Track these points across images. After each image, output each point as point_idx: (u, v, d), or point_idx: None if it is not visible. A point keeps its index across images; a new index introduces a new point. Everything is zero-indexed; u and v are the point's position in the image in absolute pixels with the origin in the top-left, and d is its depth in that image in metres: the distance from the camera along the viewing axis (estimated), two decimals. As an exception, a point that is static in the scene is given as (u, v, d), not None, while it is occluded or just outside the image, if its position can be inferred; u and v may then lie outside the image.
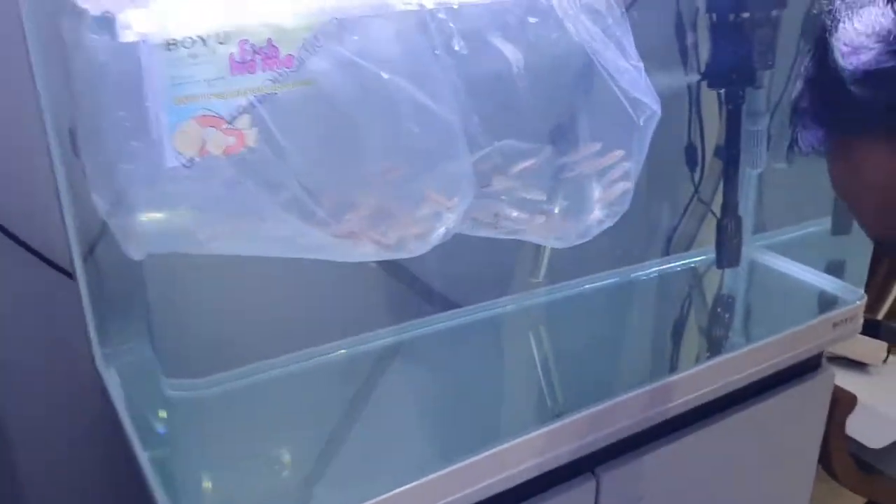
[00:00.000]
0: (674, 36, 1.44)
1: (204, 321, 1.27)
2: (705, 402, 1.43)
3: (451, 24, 0.87)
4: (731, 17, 1.33)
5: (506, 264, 1.51)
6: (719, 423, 1.45)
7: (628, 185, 1.11)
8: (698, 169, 1.65)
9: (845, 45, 0.69)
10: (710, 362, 1.44)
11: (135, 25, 0.72)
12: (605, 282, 1.68)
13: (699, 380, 1.42)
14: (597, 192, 1.13)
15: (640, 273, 1.72)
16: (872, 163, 0.69)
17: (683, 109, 1.59)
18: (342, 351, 1.45)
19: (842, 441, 1.93)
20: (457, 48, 0.88)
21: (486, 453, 1.19)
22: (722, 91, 1.41)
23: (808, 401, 1.59)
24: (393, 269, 1.45)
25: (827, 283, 1.66)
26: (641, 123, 1.06)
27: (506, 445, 1.21)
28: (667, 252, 1.75)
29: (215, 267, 1.00)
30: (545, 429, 1.25)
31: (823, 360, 1.60)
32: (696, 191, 1.68)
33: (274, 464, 1.29)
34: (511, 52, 0.91)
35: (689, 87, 1.52)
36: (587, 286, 1.65)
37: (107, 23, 0.72)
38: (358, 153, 0.88)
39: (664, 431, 1.41)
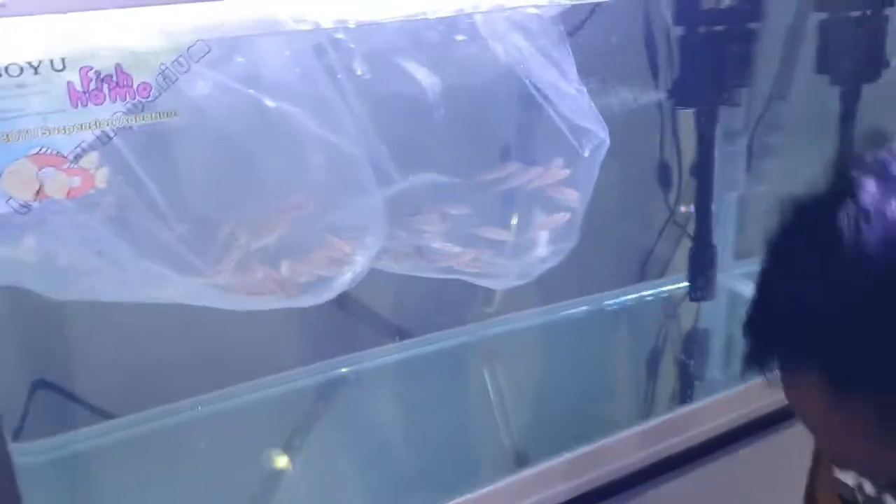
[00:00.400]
0: (642, 50, 1.33)
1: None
2: (677, 451, 1.31)
3: (352, 45, 0.75)
4: (701, 29, 1.21)
5: (459, 291, 1.40)
6: (690, 474, 1.33)
7: (571, 217, 1.00)
8: (673, 189, 1.53)
9: None
10: (685, 408, 1.33)
11: (-40, 48, 0.61)
12: (571, 311, 1.57)
13: (671, 427, 1.30)
14: (538, 223, 1.02)
15: (611, 301, 1.61)
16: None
17: (656, 127, 1.47)
18: (281, 386, 1.34)
19: (830, 484, 1.80)
20: (359, 72, 0.76)
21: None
22: (692, 110, 1.30)
23: (791, 447, 1.47)
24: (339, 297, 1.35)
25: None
26: (587, 154, 0.95)
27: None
28: (640, 278, 1.64)
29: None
30: (505, 481, 1.14)
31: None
32: (672, 213, 1.57)
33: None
34: (425, 76, 0.80)
35: (660, 103, 1.41)
36: (551, 316, 1.53)
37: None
38: (242, 191, 0.77)
39: (635, 482, 1.28)
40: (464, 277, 1.01)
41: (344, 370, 1.40)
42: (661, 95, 1.36)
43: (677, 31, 1.23)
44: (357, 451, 1.36)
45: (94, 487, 1.22)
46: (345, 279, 0.83)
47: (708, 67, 1.22)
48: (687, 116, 1.42)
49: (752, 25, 1.23)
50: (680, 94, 1.28)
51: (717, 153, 1.33)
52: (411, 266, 0.97)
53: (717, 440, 1.34)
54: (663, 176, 1.50)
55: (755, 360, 0.65)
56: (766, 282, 0.64)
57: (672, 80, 1.27)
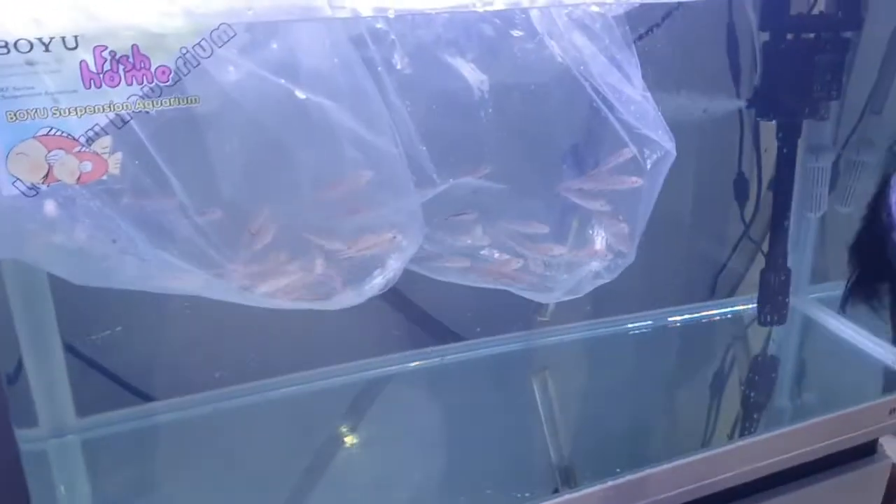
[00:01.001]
0: (723, 55, 1.24)
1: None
2: (735, 484, 1.23)
3: (393, 37, 0.70)
4: (789, 36, 1.12)
5: (514, 297, 1.35)
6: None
7: (629, 232, 0.93)
8: (749, 203, 1.44)
9: None
10: (746, 440, 1.24)
11: (-24, 21, 0.58)
12: (633, 325, 1.49)
13: (731, 459, 1.22)
14: (594, 239, 0.95)
15: (677, 318, 1.52)
16: None
17: (736, 137, 1.38)
18: (330, 380, 1.31)
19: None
20: (399, 66, 0.71)
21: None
22: (773, 122, 1.20)
23: (859, 490, 1.37)
24: (389, 295, 1.31)
25: (890, 355, 1.42)
26: (649, 167, 0.87)
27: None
28: (710, 295, 1.54)
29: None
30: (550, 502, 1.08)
31: (879, 446, 1.36)
32: (747, 228, 1.47)
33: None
34: (471, 73, 0.74)
35: (741, 112, 1.32)
36: (611, 329, 1.46)
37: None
38: (269, 185, 0.72)
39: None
40: (510, 289, 0.95)
41: (391, 369, 1.36)
42: (742, 105, 1.26)
43: (762, 38, 1.14)
44: (398, 452, 1.33)
45: (134, 466, 1.21)
46: (376, 283, 0.78)
47: (794, 77, 1.13)
48: (770, 129, 1.33)
49: (846, 34, 1.13)
50: (762, 105, 1.19)
51: (799, 169, 1.24)
52: (456, 274, 0.91)
53: (779, 477, 1.25)
54: (740, 189, 1.41)
55: (862, 287, 0.58)
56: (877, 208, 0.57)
57: (754, 88, 1.18)
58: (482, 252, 0.92)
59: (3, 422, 0.94)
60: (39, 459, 1.10)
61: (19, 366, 1.00)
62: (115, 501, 1.13)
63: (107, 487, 1.16)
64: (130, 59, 0.60)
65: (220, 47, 0.63)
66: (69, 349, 1.13)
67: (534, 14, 0.76)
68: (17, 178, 0.61)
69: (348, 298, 0.78)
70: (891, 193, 0.54)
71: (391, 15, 0.67)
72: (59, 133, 0.61)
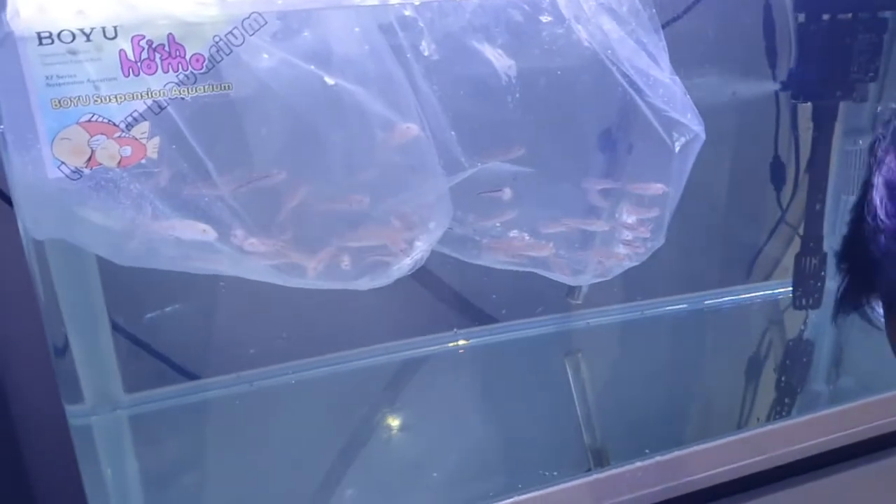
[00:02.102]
0: (759, 37, 1.23)
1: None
2: (768, 468, 1.22)
3: (421, 24, 0.72)
4: (825, 17, 1.11)
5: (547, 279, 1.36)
6: (778, 494, 1.24)
7: (658, 215, 0.94)
8: (786, 187, 1.43)
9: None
10: (780, 423, 1.24)
11: (23, 13, 0.61)
12: (668, 308, 1.49)
13: (764, 441, 1.22)
14: (622, 220, 0.96)
15: (712, 301, 1.52)
16: None
17: (772, 120, 1.37)
18: (361, 361, 1.34)
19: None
20: (427, 52, 0.73)
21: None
22: (809, 104, 1.19)
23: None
24: (423, 277, 1.33)
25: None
26: (677, 149, 0.88)
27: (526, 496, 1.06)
28: (746, 279, 1.54)
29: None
30: (583, 480, 1.10)
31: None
32: (784, 212, 1.46)
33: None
34: (498, 58, 0.75)
35: (777, 95, 1.31)
36: (646, 312, 1.46)
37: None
38: (301, 169, 0.75)
39: (719, 496, 1.21)
40: (538, 271, 0.96)
41: (425, 350, 1.38)
42: (778, 87, 1.26)
43: (798, 18, 1.13)
44: (432, 432, 1.35)
45: (177, 441, 1.25)
46: (404, 264, 0.80)
47: (830, 59, 1.12)
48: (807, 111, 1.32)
49: (884, 14, 1.12)
50: (798, 87, 1.18)
51: (835, 152, 1.23)
52: (486, 257, 0.93)
53: (813, 461, 1.25)
54: (776, 173, 1.40)
55: (851, 296, 0.58)
56: (862, 210, 0.57)
57: (789, 71, 1.17)
58: (511, 234, 0.93)
59: (53, 398, 0.98)
60: (87, 434, 1.15)
61: (66, 343, 1.04)
62: (158, 474, 1.17)
63: (151, 461, 1.20)
64: (166, 48, 0.63)
65: (252, 35, 0.65)
66: (118, 328, 1.17)
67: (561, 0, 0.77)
68: (62, 162, 0.64)
69: (376, 280, 0.80)
70: (875, 195, 0.54)
71: (417, 2, 0.68)
72: (100, 119, 0.64)
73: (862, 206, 0.56)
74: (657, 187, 0.93)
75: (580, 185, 0.91)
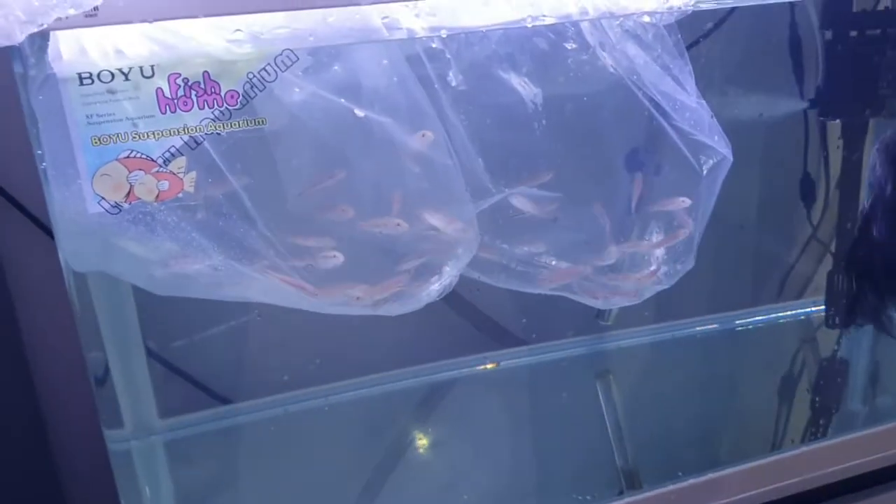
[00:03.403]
0: (786, 55, 1.23)
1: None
2: (803, 490, 1.21)
3: (448, 55, 0.73)
4: (853, 33, 1.11)
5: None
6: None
7: (688, 238, 0.94)
8: (816, 205, 1.42)
9: None
10: (816, 444, 1.23)
11: (65, 55, 0.63)
12: (699, 329, 1.49)
13: (799, 464, 1.20)
14: (651, 242, 0.97)
15: (744, 321, 1.51)
16: None
17: (801, 138, 1.37)
18: (387, 385, 1.34)
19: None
20: (454, 82, 0.74)
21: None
22: (838, 122, 1.19)
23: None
24: (451, 299, 1.34)
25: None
26: (705, 172, 0.89)
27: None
28: (777, 298, 1.53)
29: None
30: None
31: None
32: (815, 229, 1.45)
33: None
34: (524, 86, 0.76)
35: (805, 113, 1.31)
36: (676, 333, 1.46)
37: (38, 50, 0.64)
38: (332, 199, 0.76)
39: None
40: (568, 295, 0.97)
41: (456, 372, 1.39)
42: (806, 105, 1.26)
43: (826, 36, 1.14)
44: (463, 455, 1.35)
45: (210, 465, 1.27)
46: (433, 290, 0.81)
47: (858, 75, 1.12)
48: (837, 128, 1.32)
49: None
50: (826, 104, 1.18)
51: (866, 169, 1.22)
52: (515, 281, 0.94)
53: (850, 483, 1.24)
54: (806, 190, 1.40)
55: (865, 304, 0.58)
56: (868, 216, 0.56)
57: (816, 88, 1.17)
58: (540, 259, 0.94)
59: (91, 423, 1.00)
60: (125, 458, 1.17)
61: (106, 370, 1.06)
62: (194, 498, 1.19)
63: (187, 485, 1.21)
64: (202, 85, 0.65)
65: (285, 71, 0.67)
66: (152, 355, 1.19)
67: (585, 27, 0.78)
68: (102, 197, 0.66)
69: (406, 305, 0.81)
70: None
71: (444, 34, 0.70)
72: (138, 155, 0.66)
73: (868, 212, 0.56)
74: (681, 201, 0.93)
75: (608, 209, 0.91)
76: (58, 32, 0.63)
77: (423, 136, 0.76)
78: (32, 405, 1.27)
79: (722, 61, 1.15)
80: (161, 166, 0.67)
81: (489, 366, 1.39)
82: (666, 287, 0.97)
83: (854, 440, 1.23)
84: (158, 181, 0.67)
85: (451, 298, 1.32)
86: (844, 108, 1.15)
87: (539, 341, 1.40)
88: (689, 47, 0.87)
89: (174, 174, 0.67)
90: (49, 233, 1.15)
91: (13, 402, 1.21)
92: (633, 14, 0.78)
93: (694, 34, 1.06)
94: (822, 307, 1.36)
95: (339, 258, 0.76)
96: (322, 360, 1.28)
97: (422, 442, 1.35)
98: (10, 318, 1.22)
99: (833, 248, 1.31)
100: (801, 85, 1.27)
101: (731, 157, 0.90)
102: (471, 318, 1.38)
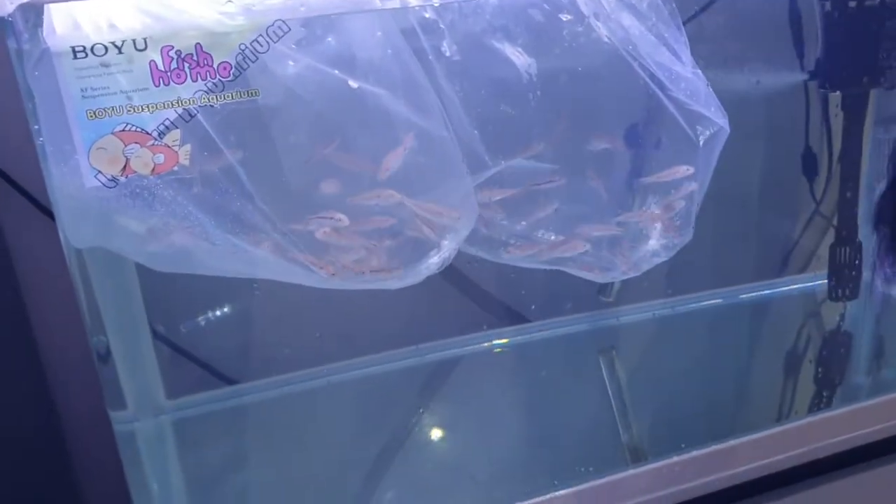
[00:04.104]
0: (786, 27, 1.23)
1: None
2: (806, 461, 1.21)
3: (441, 26, 0.73)
4: (852, 4, 1.10)
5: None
6: (819, 488, 1.23)
7: (685, 210, 0.94)
8: (819, 178, 1.42)
9: None
10: (819, 415, 1.23)
11: (58, 30, 0.64)
12: (702, 304, 1.49)
13: (803, 434, 1.21)
14: (648, 215, 0.97)
15: (747, 295, 1.51)
16: None
17: (801, 111, 1.37)
18: (391, 364, 1.35)
19: None
20: (448, 53, 0.74)
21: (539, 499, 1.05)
22: (838, 93, 1.19)
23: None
24: (453, 277, 1.34)
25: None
26: (701, 143, 0.88)
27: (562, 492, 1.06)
28: (781, 272, 1.53)
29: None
30: (619, 475, 1.10)
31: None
32: (818, 203, 1.45)
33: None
34: (519, 57, 0.76)
35: (806, 85, 1.30)
36: (680, 308, 1.46)
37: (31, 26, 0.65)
38: (327, 172, 0.77)
39: (757, 490, 1.20)
40: (567, 269, 0.97)
41: (459, 350, 1.39)
42: (806, 77, 1.25)
43: (825, 7, 1.13)
44: (467, 432, 1.36)
45: (218, 445, 1.28)
46: (432, 262, 0.81)
47: (858, 46, 1.11)
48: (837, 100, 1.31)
49: (915, -2, 1.11)
50: (825, 76, 1.17)
51: (867, 141, 1.22)
52: (511, 256, 0.94)
53: (854, 453, 1.24)
54: (808, 164, 1.39)
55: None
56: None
57: (817, 59, 1.17)
58: (538, 234, 0.94)
59: (97, 405, 1.01)
60: (130, 439, 1.18)
61: (108, 351, 1.07)
62: (201, 477, 1.20)
63: (194, 464, 1.22)
64: (195, 57, 0.65)
65: (277, 42, 0.67)
66: (158, 336, 1.20)
67: (579, -3, 0.78)
68: (99, 171, 0.67)
69: (406, 278, 0.82)
70: None
71: (436, 3, 0.70)
72: (133, 128, 0.66)
73: None
74: (682, 170, 0.93)
75: (605, 181, 0.91)
76: (50, 6, 0.63)
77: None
78: (42, 388, 1.29)
79: (720, 34, 1.15)
80: (156, 139, 0.67)
81: (494, 342, 1.40)
82: (664, 259, 0.97)
83: (858, 410, 1.23)
84: (154, 154, 0.67)
85: (452, 275, 1.33)
86: (844, 79, 1.15)
87: (541, 318, 1.41)
88: (687, 21, 0.87)
89: (169, 147, 0.68)
90: (48, 213, 1.16)
91: (22, 386, 1.22)
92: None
93: (693, 6, 1.06)
94: (826, 280, 1.36)
95: (345, 220, 0.76)
96: (323, 336, 1.29)
97: (427, 420, 1.36)
98: (17, 301, 1.24)
99: (835, 221, 1.30)
100: (801, 57, 1.26)
101: (727, 128, 0.90)
102: (470, 295, 1.38)
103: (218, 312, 1.25)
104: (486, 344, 1.41)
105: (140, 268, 0.93)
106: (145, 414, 1.20)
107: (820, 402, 1.36)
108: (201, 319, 1.23)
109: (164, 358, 1.22)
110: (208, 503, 1.18)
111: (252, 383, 1.29)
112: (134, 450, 1.11)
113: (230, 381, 1.30)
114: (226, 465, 1.24)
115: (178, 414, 1.26)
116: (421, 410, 1.36)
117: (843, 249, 1.24)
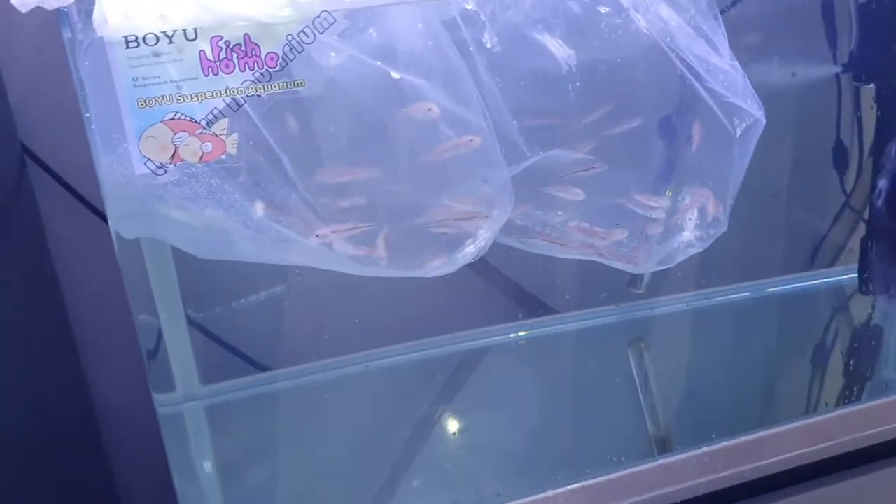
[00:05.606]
0: (819, 19, 1.22)
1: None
2: (835, 455, 1.21)
3: (483, 17, 0.74)
4: (887, -4, 1.10)
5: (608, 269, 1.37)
6: (848, 481, 1.23)
7: (721, 207, 0.95)
8: (849, 171, 1.41)
9: None
10: (848, 408, 1.22)
11: (110, 20, 0.65)
12: (731, 297, 1.49)
13: (831, 427, 1.20)
14: (685, 204, 0.97)
15: (776, 289, 1.51)
16: None
17: (833, 104, 1.36)
18: (420, 353, 1.36)
19: None
20: (489, 45, 0.75)
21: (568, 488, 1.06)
22: (871, 86, 1.18)
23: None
24: (482, 269, 1.35)
25: None
26: (738, 134, 0.89)
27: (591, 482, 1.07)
28: (810, 266, 1.53)
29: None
30: (645, 466, 1.11)
31: None
32: (848, 197, 1.44)
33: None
34: (558, 48, 0.77)
35: (838, 77, 1.30)
36: (708, 301, 1.46)
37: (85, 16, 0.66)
38: (368, 161, 0.78)
39: (785, 483, 1.20)
40: (601, 260, 0.98)
41: (488, 340, 1.40)
42: (839, 69, 1.25)
43: (859, -2, 1.13)
44: (495, 422, 1.37)
45: (248, 431, 1.29)
46: (468, 252, 0.83)
47: (892, 38, 1.11)
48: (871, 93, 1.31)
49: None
50: (859, 68, 1.17)
51: (900, 134, 1.21)
52: (546, 246, 0.95)
53: (884, 447, 1.24)
54: (839, 157, 1.39)
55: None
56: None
57: (850, 52, 1.16)
58: (571, 224, 0.95)
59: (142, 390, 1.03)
60: (171, 422, 1.20)
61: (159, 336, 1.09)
62: (230, 463, 1.22)
63: (228, 449, 1.24)
64: (243, 48, 0.67)
65: (322, 33, 0.68)
66: (192, 322, 1.22)
67: (619, -11, 0.79)
68: (148, 159, 0.68)
69: (442, 267, 0.83)
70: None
71: (484, -5, 0.71)
72: (182, 117, 0.68)
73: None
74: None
75: (640, 172, 0.92)
76: (104, -3, 0.65)
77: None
78: (80, 381, 1.31)
79: (754, 25, 1.15)
80: (204, 128, 0.68)
81: (522, 333, 1.40)
82: (699, 250, 0.97)
83: (888, 404, 1.23)
84: (202, 143, 0.69)
85: (482, 267, 1.34)
86: (878, 71, 1.14)
87: (571, 310, 1.41)
88: (723, 11, 0.87)
89: (217, 136, 0.69)
90: (97, 212, 1.19)
91: (62, 379, 1.25)
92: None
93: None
94: (856, 274, 1.36)
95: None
96: (360, 322, 1.30)
97: (455, 410, 1.37)
98: (56, 296, 1.26)
99: (866, 214, 1.30)
100: (835, 50, 1.26)
101: (763, 120, 0.90)
102: (501, 286, 1.39)
103: (251, 299, 1.26)
104: (515, 334, 1.41)
105: (177, 253, 0.94)
106: (182, 399, 1.22)
107: (850, 395, 1.36)
108: (242, 305, 1.24)
109: (198, 343, 1.24)
110: (247, 485, 1.20)
111: (286, 370, 1.31)
112: (180, 432, 1.13)
113: (263, 367, 1.31)
114: (258, 450, 1.26)
115: (212, 399, 1.28)
116: (450, 400, 1.37)
117: (874, 243, 1.23)
